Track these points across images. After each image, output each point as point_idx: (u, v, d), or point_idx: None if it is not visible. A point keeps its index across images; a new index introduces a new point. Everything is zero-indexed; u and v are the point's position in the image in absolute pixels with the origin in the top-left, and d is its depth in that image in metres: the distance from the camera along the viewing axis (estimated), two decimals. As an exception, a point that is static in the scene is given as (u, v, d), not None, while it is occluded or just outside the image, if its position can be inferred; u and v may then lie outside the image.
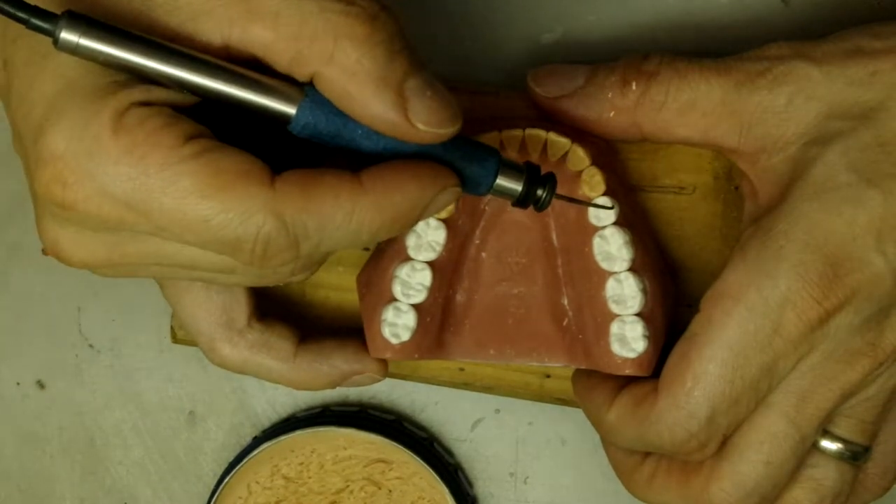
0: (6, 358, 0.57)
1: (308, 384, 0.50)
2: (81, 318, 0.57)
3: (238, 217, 0.38)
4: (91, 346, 0.56)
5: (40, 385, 0.57)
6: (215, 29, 0.39)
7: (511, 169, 0.43)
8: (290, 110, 0.40)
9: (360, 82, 0.39)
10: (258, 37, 0.39)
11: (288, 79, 0.40)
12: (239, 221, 0.38)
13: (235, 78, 0.39)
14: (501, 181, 0.43)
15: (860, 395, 0.45)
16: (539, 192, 0.43)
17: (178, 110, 0.39)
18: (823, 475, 0.46)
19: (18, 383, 0.57)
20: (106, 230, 0.40)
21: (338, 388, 0.55)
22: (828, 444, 0.45)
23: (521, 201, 0.43)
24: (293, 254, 0.40)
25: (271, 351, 0.49)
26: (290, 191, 0.39)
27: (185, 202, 0.38)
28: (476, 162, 0.42)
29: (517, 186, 0.43)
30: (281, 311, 0.51)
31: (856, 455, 0.46)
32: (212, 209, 0.38)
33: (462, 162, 0.42)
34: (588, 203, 0.46)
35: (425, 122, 0.39)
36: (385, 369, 0.50)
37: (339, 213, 0.39)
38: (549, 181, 0.43)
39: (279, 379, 0.49)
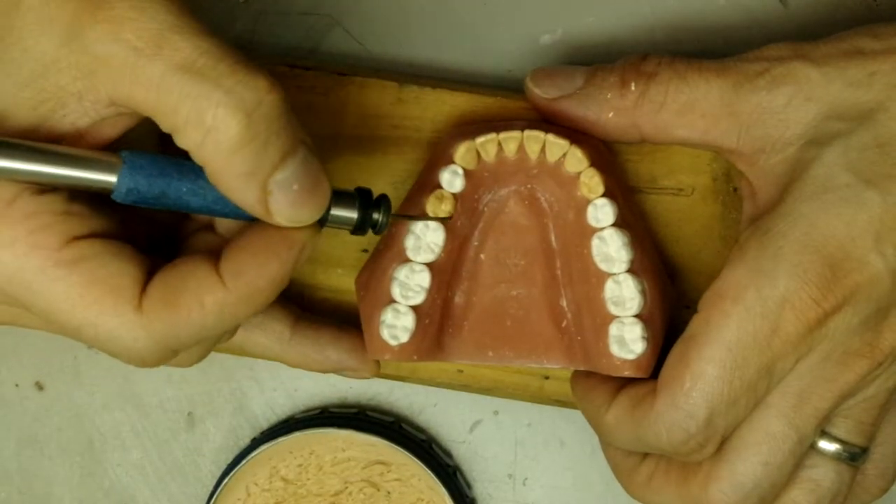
0: (5, 359, 0.56)
1: (302, 367, 0.51)
2: (80, 320, 0.56)
3: (106, 334, 0.40)
4: (90, 347, 0.56)
5: (39, 386, 0.57)
6: (100, 87, 0.39)
7: (343, 196, 0.43)
8: (112, 179, 0.40)
9: (227, 174, 0.39)
10: (141, 102, 0.39)
11: (110, 147, 0.40)
12: (108, 338, 0.40)
13: (47, 157, 0.39)
14: (336, 211, 0.43)
15: (858, 396, 0.45)
16: (375, 215, 0.43)
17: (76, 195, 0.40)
18: (822, 476, 0.46)
19: (17, 385, 0.57)
20: None
21: (336, 390, 0.55)
22: (826, 445, 0.45)
23: (359, 227, 0.43)
24: (169, 357, 0.41)
25: (266, 331, 0.50)
26: (155, 310, 0.40)
27: (57, 308, 0.39)
28: None
29: (353, 214, 0.43)
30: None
31: (854, 456, 0.45)
32: (82, 321, 0.40)
33: None
34: (422, 217, 0.46)
35: (285, 218, 0.40)
36: (376, 369, 0.50)
37: (208, 319, 0.40)
38: (383, 203, 0.43)
39: (275, 358, 0.51)
